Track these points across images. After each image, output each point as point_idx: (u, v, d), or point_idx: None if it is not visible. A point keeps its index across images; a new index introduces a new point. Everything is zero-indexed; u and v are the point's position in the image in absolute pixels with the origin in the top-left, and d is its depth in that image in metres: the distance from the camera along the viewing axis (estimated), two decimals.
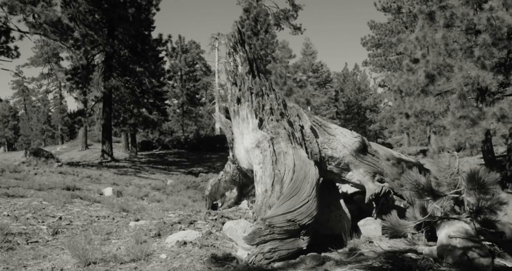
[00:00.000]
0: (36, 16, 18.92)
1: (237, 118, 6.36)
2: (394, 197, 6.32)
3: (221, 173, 7.54)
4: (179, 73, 44.75)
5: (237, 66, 6.50)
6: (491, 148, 17.40)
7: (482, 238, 4.43)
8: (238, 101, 6.35)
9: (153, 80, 27.31)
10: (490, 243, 4.51)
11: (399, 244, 5.31)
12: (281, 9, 36.10)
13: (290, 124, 6.01)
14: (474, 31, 13.79)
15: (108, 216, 6.74)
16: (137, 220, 6.35)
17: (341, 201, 6.03)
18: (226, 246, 4.96)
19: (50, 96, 60.43)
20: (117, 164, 23.45)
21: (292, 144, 5.60)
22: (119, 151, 30.98)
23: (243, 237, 4.73)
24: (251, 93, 6.24)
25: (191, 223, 5.87)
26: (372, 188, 5.89)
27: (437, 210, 4.82)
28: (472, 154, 25.99)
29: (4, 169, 12.53)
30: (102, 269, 3.94)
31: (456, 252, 4.13)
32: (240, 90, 6.34)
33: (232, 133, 6.70)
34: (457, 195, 4.55)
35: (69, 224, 5.90)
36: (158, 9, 27.31)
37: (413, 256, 4.40)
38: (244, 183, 7.50)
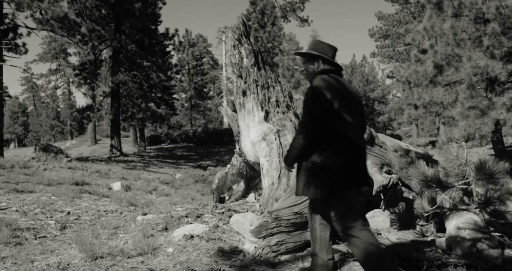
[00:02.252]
0: (43, 12, 18.97)
1: (242, 111, 6.33)
2: (403, 188, 6.26)
3: (228, 166, 7.52)
4: (186, 67, 44.84)
5: (242, 58, 6.46)
6: (501, 138, 17.27)
7: (491, 229, 4.37)
8: (244, 94, 6.32)
9: (161, 74, 27.36)
10: (500, 234, 4.45)
11: (407, 235, 5.26)
12: (288, 1, 35.82)
13: (297, 116, 5.96)
14: (483, 20, 13.59)
15: (116, 211, 6.76)
16: (145, 214, 6.36)
17: None
18: (233, 239, 4.95)
19: (59, 92, 61.19)
20: (126, 158, 23.56)
21: None
22: (128, 146, 31.13)
23: (250, 230, 4.72)
24: (257, 85, 6.20)
25: (198, 217, 5.86)
26: (379, 179, 5.83)
27: (446, 201, 4.77)
28: (482, 145, 25.80)
29: (14, 164, 12.61)
30: (109, 263, 3.95)
31: (465, 243, 4.08)
32: (245, 82, 6.30)
33: (238, 127, 6.67)
34: (466, 186, 4.50)
35: (77, 219, 5.93)
36: (164, 3, 27.32)
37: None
38: (251, 176, 7.48)
